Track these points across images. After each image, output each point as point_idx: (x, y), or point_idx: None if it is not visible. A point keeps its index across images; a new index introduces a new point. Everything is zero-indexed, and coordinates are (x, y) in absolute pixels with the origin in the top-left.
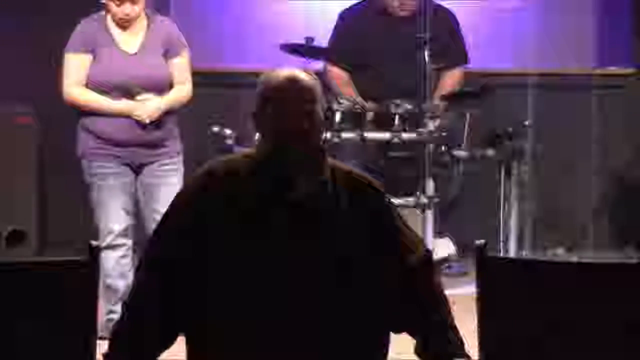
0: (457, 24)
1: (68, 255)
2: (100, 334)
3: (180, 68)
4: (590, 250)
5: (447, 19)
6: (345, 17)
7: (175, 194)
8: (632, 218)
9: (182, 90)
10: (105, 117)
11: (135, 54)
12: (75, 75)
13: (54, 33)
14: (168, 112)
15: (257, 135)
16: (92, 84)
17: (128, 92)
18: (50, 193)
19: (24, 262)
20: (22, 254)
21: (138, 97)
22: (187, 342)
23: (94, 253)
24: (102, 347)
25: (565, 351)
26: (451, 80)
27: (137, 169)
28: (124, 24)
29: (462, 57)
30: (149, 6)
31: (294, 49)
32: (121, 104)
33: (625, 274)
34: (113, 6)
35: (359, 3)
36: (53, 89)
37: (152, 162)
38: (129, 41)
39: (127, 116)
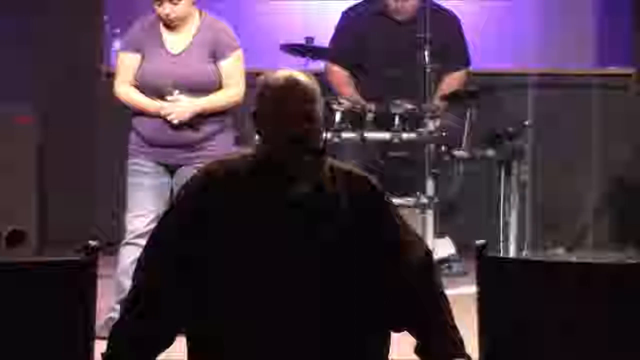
0: (460, 26)
1: (68, 255)
2: (100, 333)
3: (228, 70)
4: (590, 250)
5: (450, 21)
6: (347, 16)
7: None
8: (632, 218)
9: (225, 93)
10: (146, 117)
11: (179, 54)
12: (123, 74)
13: (54, 33)
14: (211, 114)
15: (257, 136)
16: (138, 84)
17: (161, 92)
18: (50, 193)
19: (24, 262)
20: (22, 254)
21: (168, 98)
22: (188, 342)
23: (92, 253)
24: (102, 346)
25: (565, 351)
26: (450, 81)
27: (173, 170)
28: (169, 23)
29: (463, 60)
30: (150, 7)
31: (294, 49)
32: (155, 104)
33: (625, 274)
34: (156, 6)
35: (362, 3)
36: (53, 89)
37: (187, 164)
38: (177, 41)
39: (162, 117)
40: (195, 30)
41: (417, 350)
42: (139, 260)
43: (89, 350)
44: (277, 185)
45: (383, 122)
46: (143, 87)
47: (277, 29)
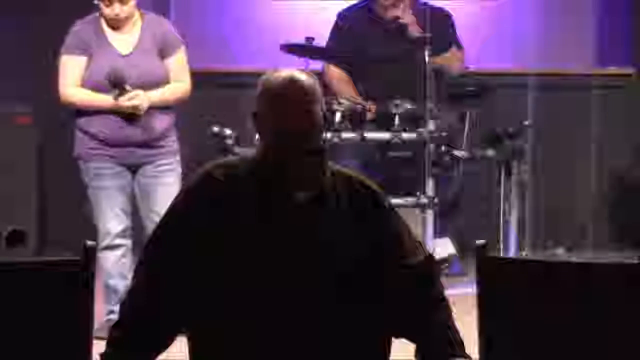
0: (453, 23)
1: (68, 255)
2: (99, 334)
3: (177, 66)
4: (590, 250)
5: (444, 19)
6: (343, 17)
7: (173, 194)
8: (632, 218)
9: (177, 86)
10: (100, 117)
11: (129, 54)
12: (71, 76)
13: (54, 33)
14: (164, 112)
15: (257, 136)
16: (88, 86)
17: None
18: (50, 193)
19: (24, 262)
20: (22, 254)
21: (128, 94)
22: (189, 343)
23: (89, 253)
24: (101, 347)
25: (565, 351)
26: (448, 55)
27: (134, 169)
28: (116, 24)
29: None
30: (149, 7)
31: (294, 49)
32: (116, 101)
33: (625, 274)
34: (103, 7)
35: (358, 4)
36: (53, 89)
37: (148, 163)
38: (123, 42)
39: (122, 114)
40: (140, 30)
41: (418, 352)
42: (138, 259)
43: (88, 351)
44: (277, 185)
45: (383, 122)
46: (94, 88)
47: (279, 30)
